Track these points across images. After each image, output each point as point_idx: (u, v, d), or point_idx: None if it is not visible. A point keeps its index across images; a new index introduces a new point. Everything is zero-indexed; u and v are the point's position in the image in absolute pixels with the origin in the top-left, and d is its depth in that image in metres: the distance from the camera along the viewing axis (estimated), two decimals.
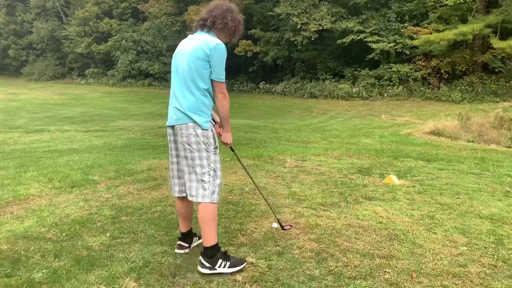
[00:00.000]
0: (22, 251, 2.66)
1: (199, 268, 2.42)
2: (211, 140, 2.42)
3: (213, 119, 2.53)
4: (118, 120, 14.43)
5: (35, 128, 11.41)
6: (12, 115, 15.50)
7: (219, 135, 2.59)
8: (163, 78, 29.93)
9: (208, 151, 2.39)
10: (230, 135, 2.61)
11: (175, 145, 2.52)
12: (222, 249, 2.50)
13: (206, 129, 2.39)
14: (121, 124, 13.02)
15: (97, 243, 2.80)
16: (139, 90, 28.71)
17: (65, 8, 38.22)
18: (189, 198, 2.47)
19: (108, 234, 2.94)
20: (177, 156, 2.53)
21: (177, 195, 2.60)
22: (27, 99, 22.18)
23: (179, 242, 2.70)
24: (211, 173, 2.40)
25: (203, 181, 2.39)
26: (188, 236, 2.72)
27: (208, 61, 2.35)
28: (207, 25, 2.45)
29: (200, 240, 2.81)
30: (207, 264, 2.40)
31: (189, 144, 2.37)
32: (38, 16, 39.48)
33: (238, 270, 2.42)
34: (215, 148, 2.45)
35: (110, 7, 34.28)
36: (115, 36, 32.69)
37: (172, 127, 2.47)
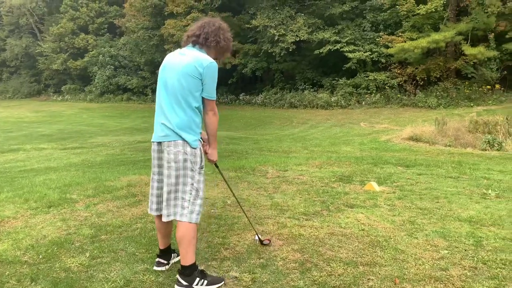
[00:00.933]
0: None
1: (176, 286, 2.37)
2: (198, 159, 2.39)
3: (200, 137, 2.52)
4: (97, 136, 14.17)
5: (10, 148, 11.08)
6: None
7: (205, 152, 2.57)
8: (142, 92, 29.67)
9: (193, 170, 2.36)
10: (216, 152, 2.59)
11: (159, 162, 2.45)
12: (204, 264, 2.46)
13: (195, 148, 2.36)
14: (99, 140, 12.79)
15: (76, 264, 2.71)
16: (118, 105, 28.33)
17: (40, 25, 37.62)
18: (163, 218, 2.40)
19: (87, 254, 2.86)
20: (159, 173, 2.47)
21: (154, 213, 2.54)
22: (1, 118, 21.58)
23: (158, 259, 2.65)
24: (193, 192, 2.36)
25: (183, 199, 2.35)
26: (167, 253, 2.67)
27: (201, 79, 2.33)
28: (200, 42, 2.42)
29: (179, 257, 2.77)
30: (184, 283, 2.35)
31: (175, 162, 2.33)
32: (11, 33, 38.72)
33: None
34: (201, 167, 2.41)
35: (86, 23, 33.93)
36: (91, 51, 32.31)
37: (159, 143, 2.42)
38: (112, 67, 31.16)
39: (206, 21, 2.49)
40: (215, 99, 2.43)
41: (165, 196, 2.38)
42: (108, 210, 3.89)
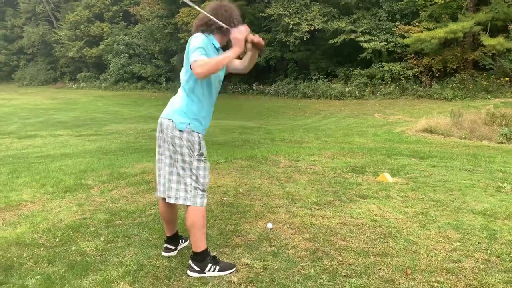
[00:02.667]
0: (15, 258, 2.63)
1: (188, 272, 2.41)
2: (196, 146, 2.37)
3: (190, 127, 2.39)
4: (111, 124, 14.35)
5: (27, 134, 11.31)
6: (4, 120, 15.34)
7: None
8: (156, 81, 29.82)
9: (191, 156, 2.36)
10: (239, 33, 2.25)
11: (159, 142, 2.47)
12: (216, 251, 2.49)
13: (181, 130, 2.32)
14: (114, 127, 12.95)
15: (91, 247, 2.78)
16: (132, 94, 28.57)
17: (56, 12, 37.97)
18: (167, 200, 2.43)
19: (102, 239, 2.92)
20: (162, 153, 2.46)
21: (161, 195, 2.50)
22: (18, 105, 21.99)
23: (165, 245, 2.68)
24: (193, 177, 2.37)
25: (185, 183, 2.37)
26: (174, 239, 2.70)
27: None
28: (211, 29, 2.37)
29: (186, 243, 2.80)
30: (197, 268, 2.39)
31: (173, 145, 2.36)
32: (28, 20, 39.19)
33: (229, 273, 2.41)
34: (200, 155, 2.39)
35: (101, 11, 34.11)
36: (106, 39, 32.52)
37: (161, 123, 2.43)
38: (126, 55, 31.33)
39: (215, 6, 2.41)
40: (196, 59, 2.18)
41: (167, 177, 2.42)
42: (123, 196, 3.96)
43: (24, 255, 2.67)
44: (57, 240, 2.91)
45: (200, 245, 2.39)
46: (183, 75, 2.41)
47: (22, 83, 37.63)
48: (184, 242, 2.79)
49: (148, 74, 29.75)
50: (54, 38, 35.53)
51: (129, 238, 2.94)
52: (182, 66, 2.44)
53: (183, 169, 2.36)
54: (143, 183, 4.40)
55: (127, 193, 4.04)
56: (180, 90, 2.43)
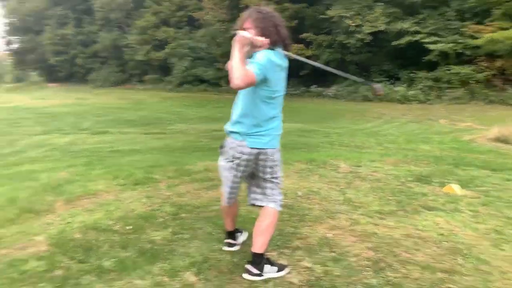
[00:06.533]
0: (93, 241, 2.88)
1: (245, 275, 2.40)
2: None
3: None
4: (176, 123, 14.99)
5: (100, 130, 12.20)
6: (80, 118, 16.67)
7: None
8: (217, 84, 30.64)
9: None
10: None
11: None
12: (275, 252, 2.54)
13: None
14: (178, 127, 13.53)
15: (160, 237, 2.96)
16: (195, 96, 29.60)
17: (126, 19, 40.60)
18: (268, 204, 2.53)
19: (169, 230, 3.10)
20: None
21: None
22: (92, 104, 23.78)
23: (228, 240, 2.79)
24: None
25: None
26: (234, 234, 2.81)
27: None
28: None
29: (245, 236, 2.88)
30: (255, 271, 2.40)
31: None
32: (102, 27, 42.29)
33: (284, 273, 2.45)
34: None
35: (167, 16, 35.84)
36: (171, 43, 34.07)
37: None
38: (190, 58, 32.57)
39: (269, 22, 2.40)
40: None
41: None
42: (187, 191, 4.15)
43: (101, 239, 2.91)
44: (128, 228, 3.14)
45: (265, 247, 2.45)
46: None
47: (95, 84, 40.64)
48: (241, 235, 2.88)
49: (210, 77, 30.66)
50: (124, 42, 37.98)
51: (194, 231, 3.09)
52: None
53: None
54: (206, 180, 4.58)
55: (191, 189, 4.23)
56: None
